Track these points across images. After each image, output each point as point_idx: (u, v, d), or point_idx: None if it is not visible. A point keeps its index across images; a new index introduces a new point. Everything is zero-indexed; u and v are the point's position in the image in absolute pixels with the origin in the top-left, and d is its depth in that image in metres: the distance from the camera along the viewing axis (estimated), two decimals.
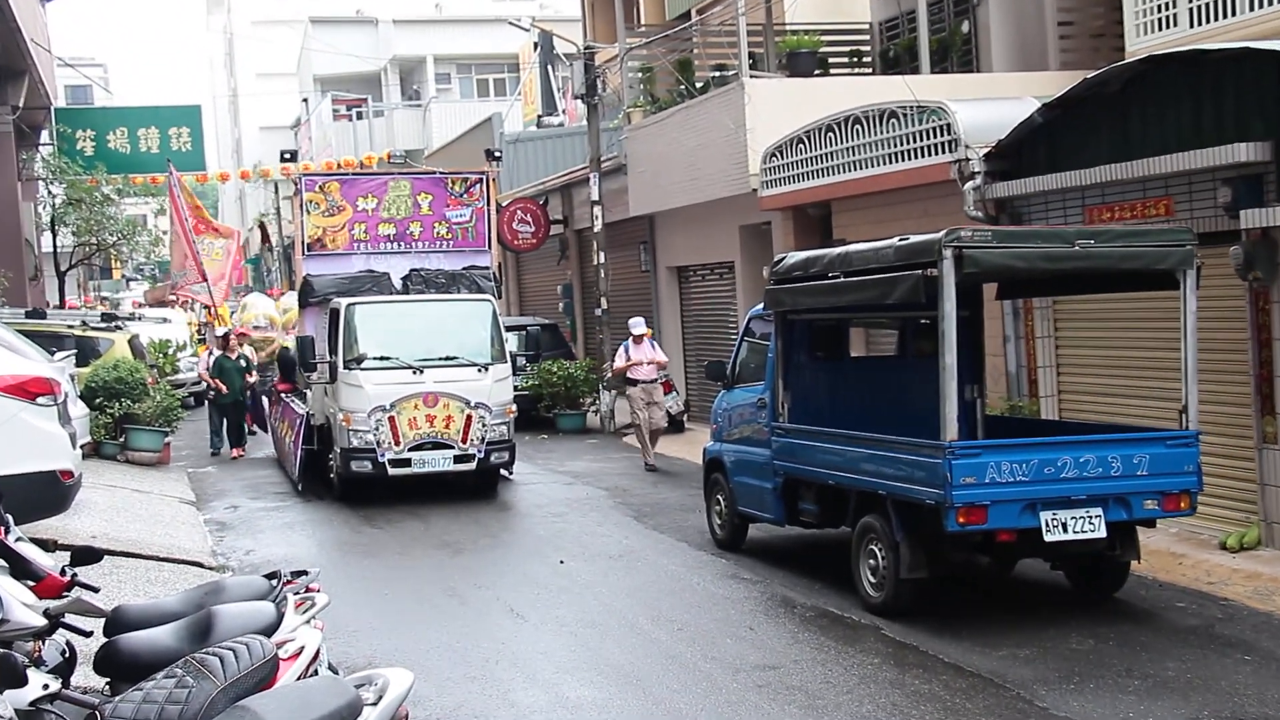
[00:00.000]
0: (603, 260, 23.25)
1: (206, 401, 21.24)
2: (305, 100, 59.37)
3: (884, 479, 9.60)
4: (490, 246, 17.74)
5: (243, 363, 21.08)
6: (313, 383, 16.74)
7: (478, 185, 17.64)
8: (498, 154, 19.66)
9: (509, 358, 16.27)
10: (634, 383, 17.88)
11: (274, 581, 6.43)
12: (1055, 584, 10.43)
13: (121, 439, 18.37)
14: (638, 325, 18.20)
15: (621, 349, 18.22)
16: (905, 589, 9.51)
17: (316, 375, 16.25)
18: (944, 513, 8.84)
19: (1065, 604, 9.92)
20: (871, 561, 9.82)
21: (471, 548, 12.94)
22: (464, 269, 17.13)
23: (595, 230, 23.34)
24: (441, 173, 18.38)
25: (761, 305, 11.95)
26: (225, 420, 20.81)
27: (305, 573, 6.63)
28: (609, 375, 22.44)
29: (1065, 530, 9.01)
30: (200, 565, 11.95)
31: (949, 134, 14.31)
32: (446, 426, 15.35)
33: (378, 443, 15.17)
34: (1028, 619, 9.41)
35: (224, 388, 20.46)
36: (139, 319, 24.77)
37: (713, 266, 22.37)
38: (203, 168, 32.48)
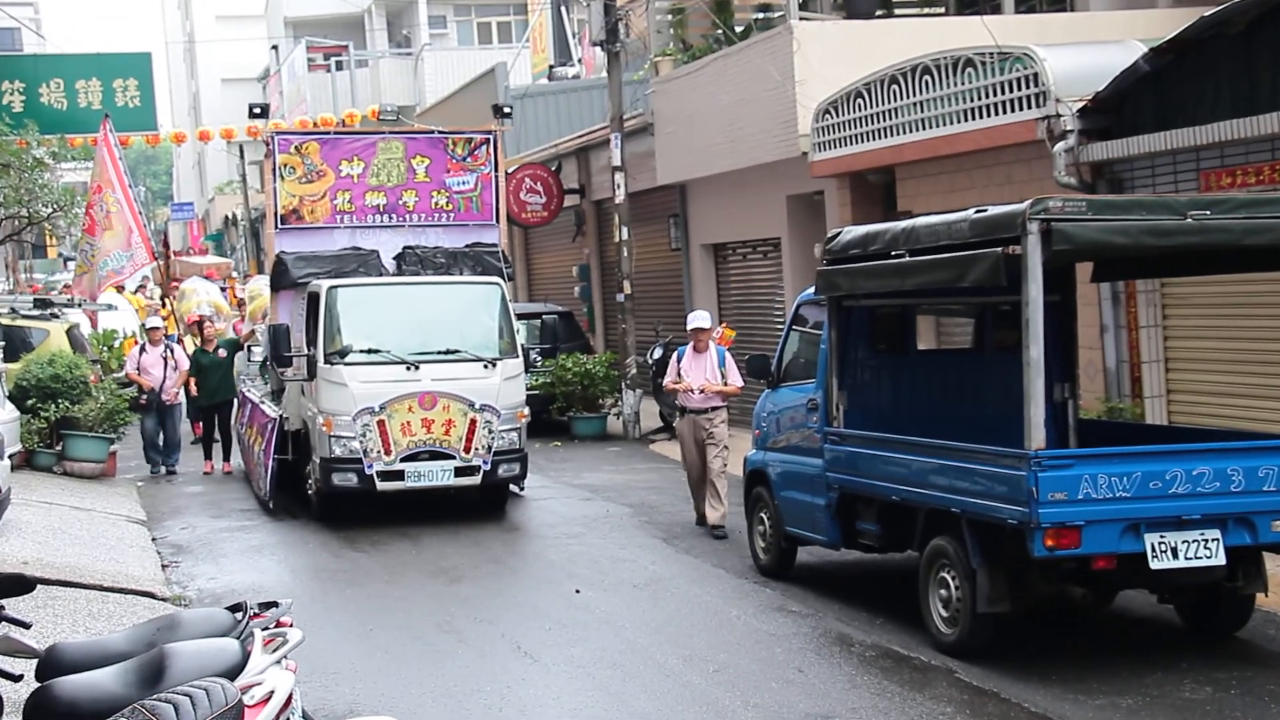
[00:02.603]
0: (626, 236, 23.24)
1: (140, 406, 19.53)
2: (275, 48, 59.61)
3: (958, 494, 9.58)
4: (499, 220, 17.69)
5: (222, 353, 20.36)
6: (287, 380, 16.78)
7: (483, 147, 17.55)
8: (507, 110, 19.59)
9: (521, 352, 16.23)
10: (684, 411, 14.88)
11: (238, 615, 6.47)
12: (1164, 620, 10.39)
13: (59, 447, 18.45)
14: (698, 319, 14.96)
15: (674, 357, 15.11)
16: (983, 624, 9.48)
17: (292, 371, 16.29)
18: (1029, 535, 8.80)
19: (1175, 644, 9.87)
20: (943, 592, 9.81)
21: (472, 575, 12.97)
22: (467, 246, 17.11)
23: (617, 201, 23.33)
24: (441, 132, 18.31)
25: (813, 289, 11.93)
26: (211, 424, 20.25)
27: (276, 604, 6.66)
28: (632, 372, 22.48)
29: (1175, 556, 8.96)
30: (151, 596, 12.00)
31: (1036, 85, 14.25)
32: (446, 433, 15.33)
33: (364, 452, 15.16)
34: (1130, 661, 9.37)
35: (192, 389, 20.15)
36: (79, 305, 24.81)
37: (755, 244, 22.35)
38: (154, 127, 32.47)
